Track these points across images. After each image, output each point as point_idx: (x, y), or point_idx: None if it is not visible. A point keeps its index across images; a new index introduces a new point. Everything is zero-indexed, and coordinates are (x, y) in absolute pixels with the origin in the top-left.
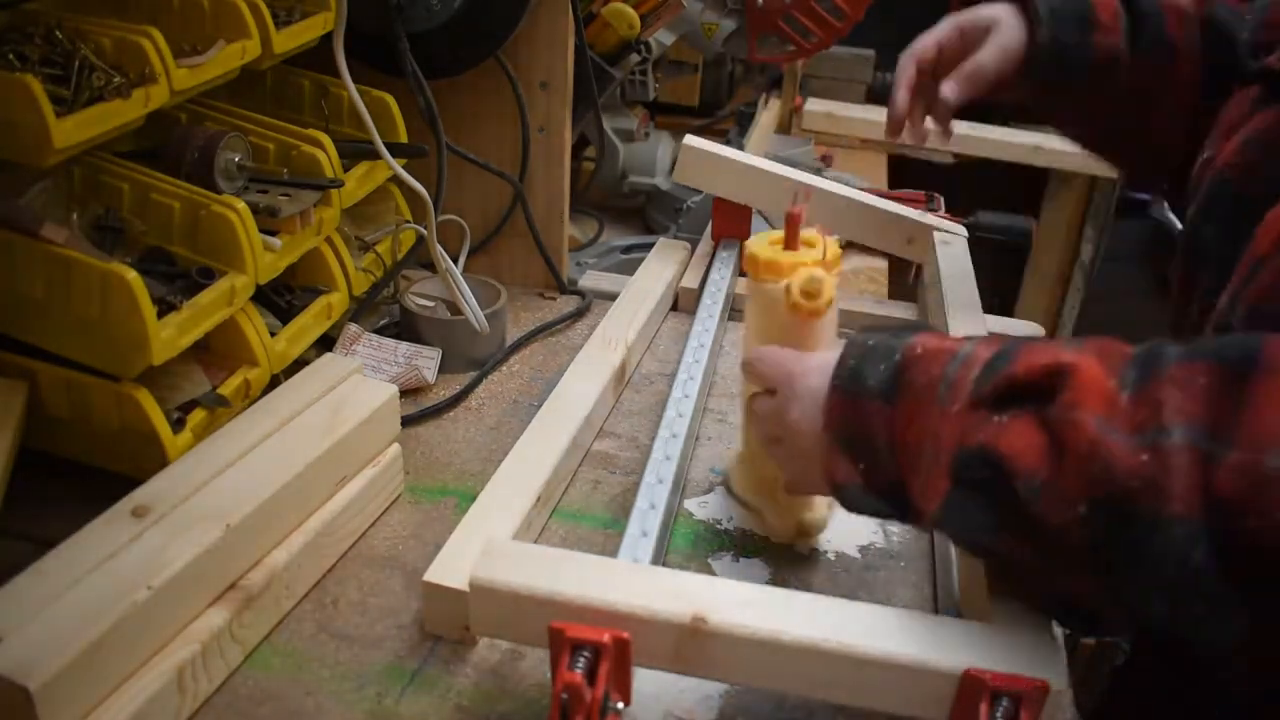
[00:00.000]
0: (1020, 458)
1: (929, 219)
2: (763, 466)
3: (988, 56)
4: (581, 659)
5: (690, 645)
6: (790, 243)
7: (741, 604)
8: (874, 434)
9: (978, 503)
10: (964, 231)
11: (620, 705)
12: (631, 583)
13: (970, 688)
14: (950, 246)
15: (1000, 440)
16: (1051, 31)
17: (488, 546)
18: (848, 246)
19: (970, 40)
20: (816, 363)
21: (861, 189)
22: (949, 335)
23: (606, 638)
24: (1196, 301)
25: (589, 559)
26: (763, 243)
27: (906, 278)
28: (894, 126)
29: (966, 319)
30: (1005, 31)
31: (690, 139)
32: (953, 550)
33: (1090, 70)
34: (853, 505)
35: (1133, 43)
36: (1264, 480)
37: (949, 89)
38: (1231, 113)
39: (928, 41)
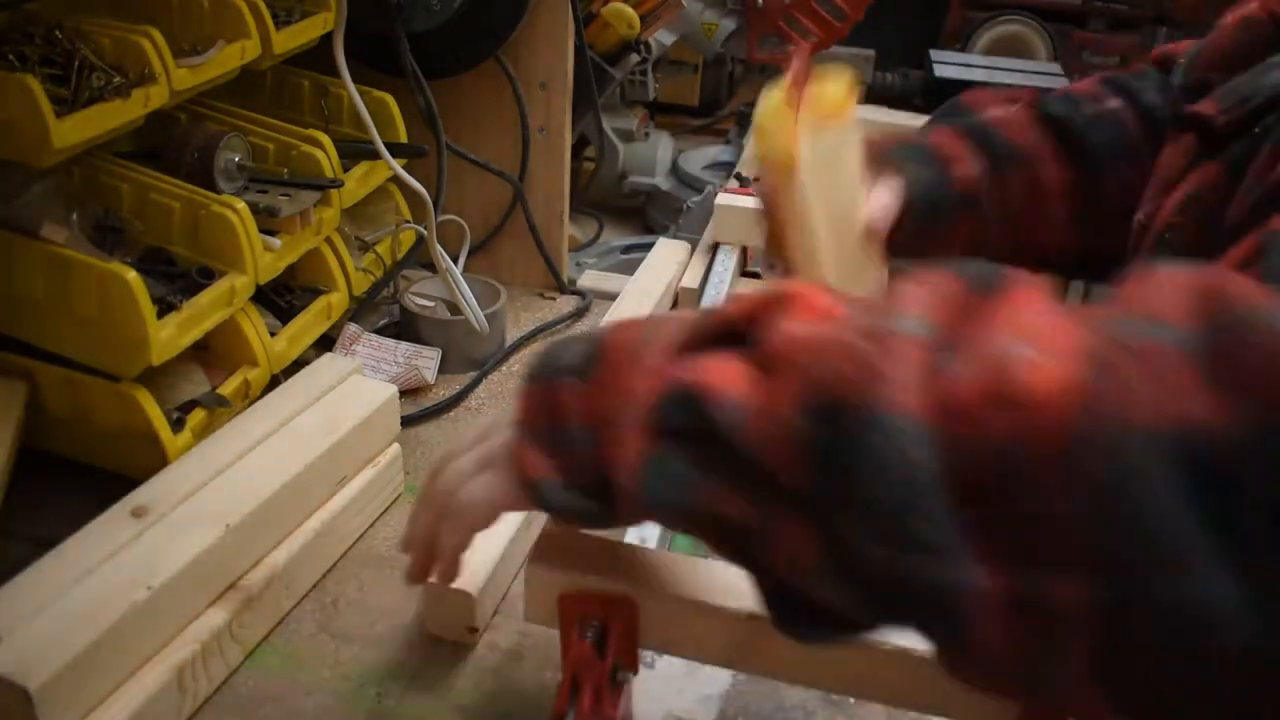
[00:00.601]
0: (719, 387)
1: None
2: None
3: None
4: (591, 630)
5: (747, 642)
6: (800, 105)
7: None
8: (567, 414)
9: (678, 454)
10: None
11: (630, 674)
12: (688, 578)
13: None
14: None
15: (698, 375)
16: (912, 174)
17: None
18: None
19: None
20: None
21: None
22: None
23: (615, 608)
24: None
25: (647, 551)
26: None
27: None
28: None
29: None
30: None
31: (722, 197)
32: None
33: (960, 201)
34: (551, 504)
35: (991, 164)
36: (1004, 386)
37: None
38: (1167, 166)
39: None
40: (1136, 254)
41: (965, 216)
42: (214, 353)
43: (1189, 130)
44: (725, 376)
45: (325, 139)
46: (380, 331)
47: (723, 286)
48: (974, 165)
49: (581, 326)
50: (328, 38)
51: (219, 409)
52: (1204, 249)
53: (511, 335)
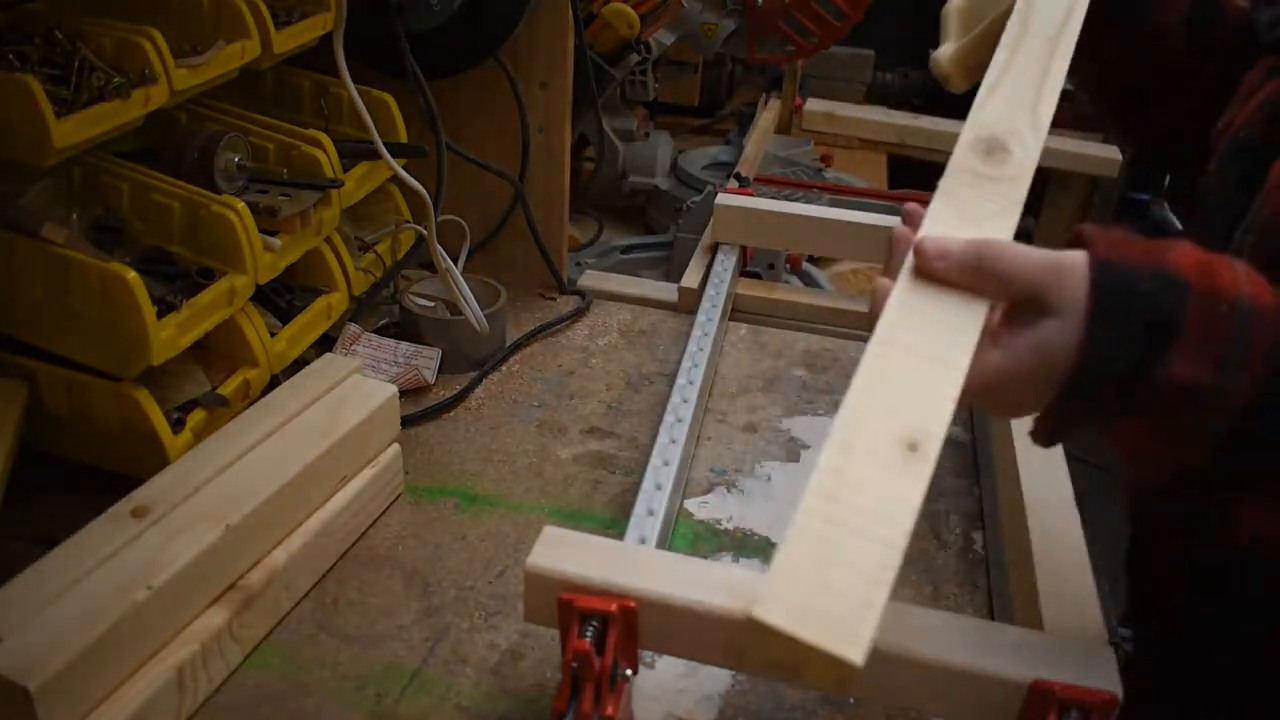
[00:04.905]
0: None
1: None
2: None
3: None
4: (590, 629)
5: (745, 642)
6: None
7: None
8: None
9: None
10: None
11: (629, 673)
12: (688, 578)
13: (1038, 698)
14: None
15: None
16: None
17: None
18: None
19: None
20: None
21: (862, 189)
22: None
23: (614, 607)
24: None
25: (647, 551)
26: None
27: None
28: None
29: None
30: None
31: (722, 197)
32: (1006, 554)
33: (1139, 34)
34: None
35: (1188, 28)
36: None
37: None
38: (1248, 83)
39: None
40: (1215, 148)
41: (1145, 40)
42: (214, 353)
43: (1270, 55)
44: None
45: (325, 139)
46: (380, 331)
47: (722, 286)
48: (1179, 13)
49: (581, 326)
50: (328, 38)
51: (219, 409)
52: (1271, 141)
53: (511, 335)
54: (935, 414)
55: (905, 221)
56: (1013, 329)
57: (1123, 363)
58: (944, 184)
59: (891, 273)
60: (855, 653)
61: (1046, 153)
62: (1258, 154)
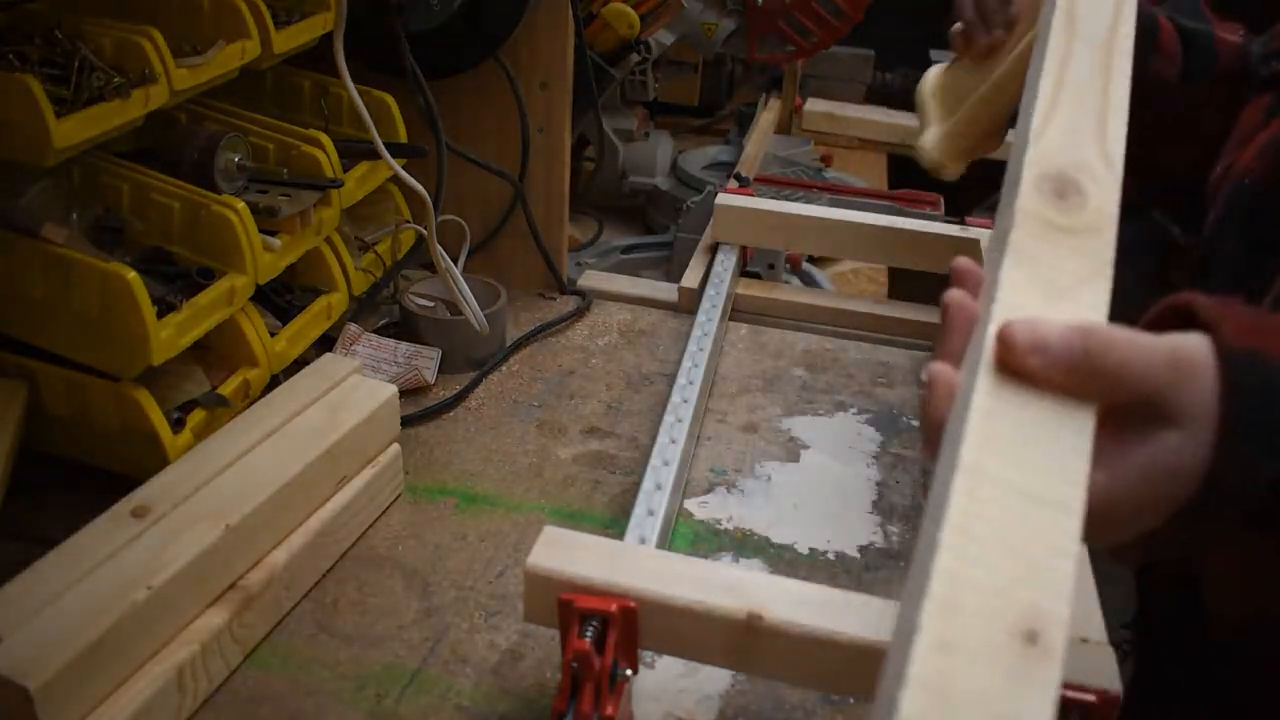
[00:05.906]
0: None
1: (971, 232)
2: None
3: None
4: (590, 629)
5: (745, 642)
6: None
7: (798, 602)
8: None
9: None
10: None
11: (629, 673)
12: (688, 578)
13: None
14: None
15: None
16: None
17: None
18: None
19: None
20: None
21: (862, 189)
22: None
23: (614, 607)
24: None
25: (647, 551)
26: None
27: (907, 279)
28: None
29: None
30: None
31: (722, 197)
32: None
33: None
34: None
35: (1184, 77)
36: None
37: None
38: (1245, 123)
39: None
40: (1216, 195)
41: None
42: (214, 353)
43: (1267, 91)
44: None
45: (325, 139)
46: (380, 331)
47: (722, 286)
48: (1174, 69)
49: (581, 326)
50: (328, 38)
51: (219, 409)
52: (1273, 191)
53: (511, 335)
54: (1055, 583)
55: (956, 282)
56: (1117, 441)
57: (1263, 483)
58: (1014, 239)
59: (949, 356)
60: None
61: None
62: (1262, 199)
